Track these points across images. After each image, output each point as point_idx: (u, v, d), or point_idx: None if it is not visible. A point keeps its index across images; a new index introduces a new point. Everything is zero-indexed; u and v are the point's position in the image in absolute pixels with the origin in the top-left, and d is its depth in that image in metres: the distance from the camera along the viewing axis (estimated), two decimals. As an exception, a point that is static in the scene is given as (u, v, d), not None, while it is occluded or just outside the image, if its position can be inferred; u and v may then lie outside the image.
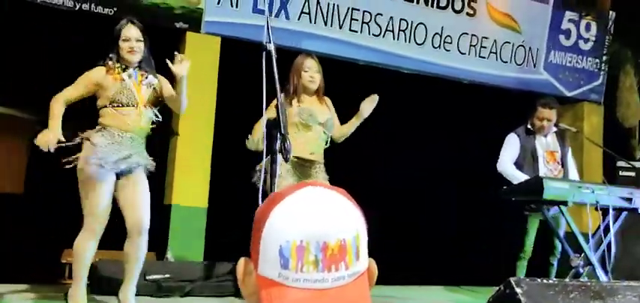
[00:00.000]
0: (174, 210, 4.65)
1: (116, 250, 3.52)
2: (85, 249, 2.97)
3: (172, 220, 4.61)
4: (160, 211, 4.82)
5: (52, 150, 2.83)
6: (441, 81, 5.71)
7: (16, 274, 3.84)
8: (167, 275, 3.57)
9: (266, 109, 3.44)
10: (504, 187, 3.70)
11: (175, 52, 3.09)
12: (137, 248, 3.04)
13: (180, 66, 2.99)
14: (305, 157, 3.46)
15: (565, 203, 3.38)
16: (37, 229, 5.56)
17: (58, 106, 2.96)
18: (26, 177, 8.86)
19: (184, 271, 3.70)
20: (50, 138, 2.82)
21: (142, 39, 3.10)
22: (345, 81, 5.61)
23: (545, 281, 1.36)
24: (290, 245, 0.74)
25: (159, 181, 5.01)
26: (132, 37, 3.05)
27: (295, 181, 3.46)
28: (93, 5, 4.43)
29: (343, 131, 3.65)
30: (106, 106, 3.02)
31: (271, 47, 2.10)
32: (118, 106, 3.00)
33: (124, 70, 3.04)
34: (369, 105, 3.47)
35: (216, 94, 4.88)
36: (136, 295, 3.46)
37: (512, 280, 1.32)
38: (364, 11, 5.40)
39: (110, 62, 3.04)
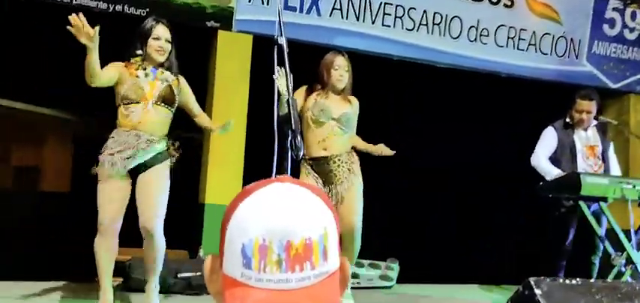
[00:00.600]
0: (207, 209, 4.68)
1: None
2: (96, 248, 2.99)
3: (206, 219, 4.65)
4: (194, 209, 4.88)
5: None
6: (477, 75, 5.58)
7: (61, 272, 3.93)
8: (198, 273, 3.59)
9: (291, 96, 3.45)
10: (540, 183, 3.56)
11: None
12: (148, 249, 3.02)
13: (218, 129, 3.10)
14: (318, 156, 3.43)
15: (604, 199, 3.23)
16: (83, 227, 5.70)
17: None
18: (72, 176, 9.13)
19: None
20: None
21: (171, 40, 3.11)
22: (379, 77, 5.55)
23: (567, 281, 1.28)
24: (252, 244, 0.71)
25: (193, 180, 5.08)
26: (162, 37, 3.08)
27: (315, 180, 3.43)
28: (126, 6, 4.51)
29: (355, 141, 3.61)
30: (119, 105, 3.05)
31: (283, 41, 2.07)
32: (127, 104, 3.02)
33: (144, 69, 3.05)
34: (382, 151, 3.49)
35: (249, 92, 4.89)
36: (168, 292, 3.50)
37: (531, 280, 1.24)
38: (397, 5, 5.31)
39: (132, 59, 3.06)
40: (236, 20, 4.84)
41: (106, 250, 2.96)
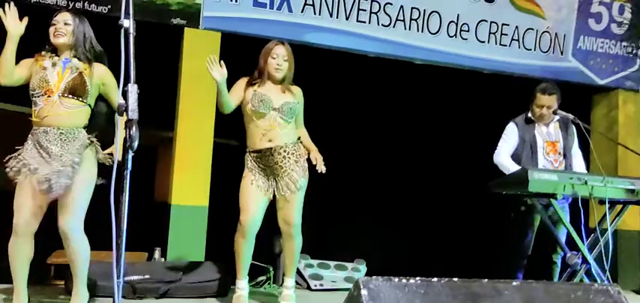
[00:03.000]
0: (173, 209, 4.61)
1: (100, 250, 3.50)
2: (12, 251, 2.91)
3: (172, 220, 4.57)
4: (160, 210, 4.82)
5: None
6: (458, 72, 5.45)
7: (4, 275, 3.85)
8: (147, 276, 3.51)
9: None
10: (494, 181, 3.43)
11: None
12: (67, 250, 2.92)
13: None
14: (262, 148, 3.33)
15: (554, 196, 3.09)
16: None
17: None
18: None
19: (166, 272, 3.62)
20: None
21: (71, 22, 2.98)
22: (354, 74, 5.45)
23: (403, 280, 1.17)
24: None
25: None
26: (59, 20, 2.98)
27: (261, 174, 3.33)
28: (86, 3, 4.45)
29: (302, 134, 3.51)
30: (31, 99, 2.94)
31: (128, 24, 1.95)
32: (35, 98, 2.91)
33: (51, 59, 2.95)
34: (318, 163, 3.36)
35: (217, 90, 4.81)
36: (110, 296, 3.43)
37: (361, 279, 1.14)
38: (372, 1, 5.20)
39: (43, 52, 2.98)
40: (203, 17, 4.78)
41: (21, 252, 2.90)
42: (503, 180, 3.39)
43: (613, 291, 1.48)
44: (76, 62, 2.96)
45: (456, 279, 1.22)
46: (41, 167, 2.85)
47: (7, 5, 2.83)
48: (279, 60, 3.40)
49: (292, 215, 3.30)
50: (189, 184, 4.67)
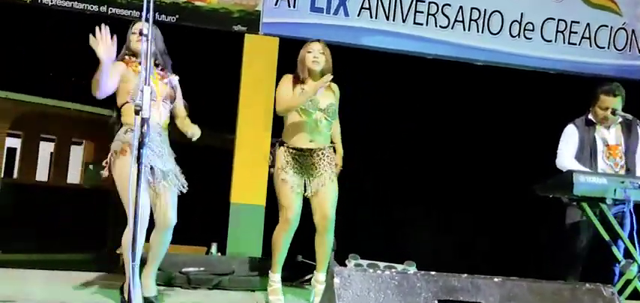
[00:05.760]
0: (232, 207, 4.80)
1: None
2: (126, 241, 3.03)
3: (231, 217, 4.77)
4: (220, 208, 5.03)
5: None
6: (521, 73, 5.28)
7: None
8: (201, 269, 3.70)
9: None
10: (537, 184, 3.28)
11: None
12: (161, 239, 3.11)
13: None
14: (302, 147, 3.39)
15: (603, 200, 2.92)
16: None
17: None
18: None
19: (219, 266, 3.80)
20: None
21: (148, 32, 3.17)
22: (412, 76, 5.42)
23: (378, 271, 1.18)
24: None
25: (221, 179, 5.23)
26: (138, 30, 3.15)
27: (297, 172, 3.39)
28: (157, 14, 4.74)
29: (334, 129, 3.57)
30: (126, 102, 3.06)
31: (146, 32, 2.09)
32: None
33: (140, 64, 3.03)
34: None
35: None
36: (168, 285, 3.64)
37: (335, 268, 1.17)
38: (430, 3, 5.15)
39: (126, 57, 3.14)
40: (263, 23, 4.94)
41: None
42: (548, 183, 3.24)
43: (606, 292, 1.41)
44: (162, 73, 3.20)
45: (433, 272, 1.21)
46: (152, 159, 3.03)
47: (97, 29, 2.79)
48: (315, 52, 3.44)
49: (328, 210, 3.36)
50: (248, 184, 4.84)
